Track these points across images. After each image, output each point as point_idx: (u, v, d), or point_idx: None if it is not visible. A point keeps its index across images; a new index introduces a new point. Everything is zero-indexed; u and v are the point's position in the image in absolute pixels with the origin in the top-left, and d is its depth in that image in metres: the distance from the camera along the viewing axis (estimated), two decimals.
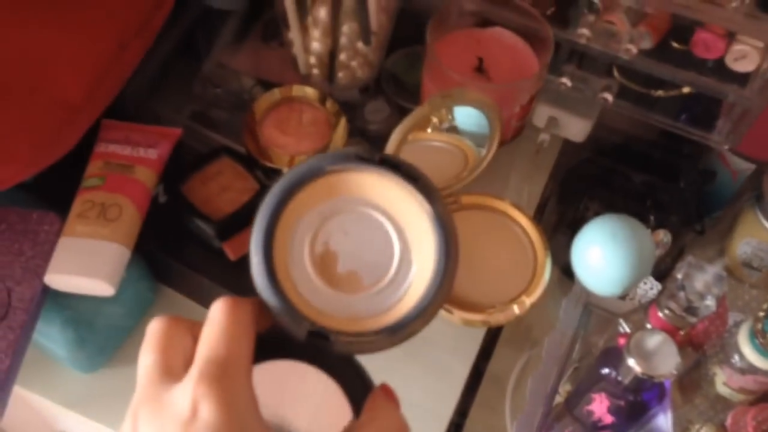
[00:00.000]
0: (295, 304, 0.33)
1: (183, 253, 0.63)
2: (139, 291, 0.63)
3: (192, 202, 0.58)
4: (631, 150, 0.79)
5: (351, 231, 0.36)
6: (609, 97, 0.65)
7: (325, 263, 0.35)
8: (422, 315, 0.34)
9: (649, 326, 0.65)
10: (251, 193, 0.59)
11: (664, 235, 0.74)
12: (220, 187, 0.59)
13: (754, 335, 0.60)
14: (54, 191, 0.59)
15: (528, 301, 0.54)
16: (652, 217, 0.74)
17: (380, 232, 0.36)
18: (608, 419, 0.64)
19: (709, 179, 0.78)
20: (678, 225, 0.73)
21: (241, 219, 0.58)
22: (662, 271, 0.71)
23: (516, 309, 0.54)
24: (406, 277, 0.35)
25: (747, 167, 0.75)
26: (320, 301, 0.34)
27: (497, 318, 0.54)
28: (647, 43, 0.61)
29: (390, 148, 0.53)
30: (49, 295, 0.55)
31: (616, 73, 0.67)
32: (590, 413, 0.64)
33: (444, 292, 0.35)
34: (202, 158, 0.61)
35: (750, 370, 0.61)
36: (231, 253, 0.59)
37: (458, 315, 0.54)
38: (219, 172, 0.60)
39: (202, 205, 0.58)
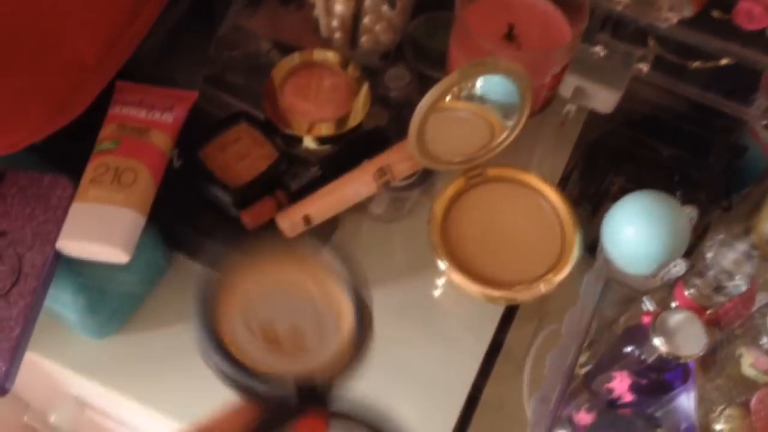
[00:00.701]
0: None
1: (198, 221, 0.61)
2: (152, 258, 0.62)
3: (209, 169, 0.57)
4: (659, 122, 0.76)
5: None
6: (644, 67, 0.62)
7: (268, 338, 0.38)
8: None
9: (674, 305, 0.64)
10: (270, 161, 0.57)
11: (690, 212, 0.72)
12: (239, 154, 0.57)
13: None
14: (65, 155, 0.57)
15: (555, 279, 0.53)
16: (679, 193, 0.72)
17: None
18: (628, 397, 0.62)
19: (739, 154, 0.76)
20: (705, 201, 0.71)
21: (259, 187, 0.57)
22: (688, 249, 0.69)
23: (542, 287, 0.53)
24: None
25: None
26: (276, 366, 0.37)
27: (523, 296, 0.52)
28: (687, 12, 0.58)
29: (417, 117, 0.51)
30: (62, 261, 0.54)
31: (651, 43, 0.64)
32: (610, 391, 0.63)
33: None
34: (220, 124, 0.59)
35: None
36: (248, 221, 0.57)
37: (481, 291, 0.52)
38: (237, 139, 0.58)
39: (219, 172, 0.56)
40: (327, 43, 0.68)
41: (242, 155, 0.58)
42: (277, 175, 0.57)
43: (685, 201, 0.72)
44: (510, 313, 0.70)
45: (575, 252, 0.54)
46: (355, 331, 0.39)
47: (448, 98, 0.61)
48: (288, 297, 0.39)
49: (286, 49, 0.70)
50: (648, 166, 0.74)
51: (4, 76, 0.50)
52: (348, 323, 0.39)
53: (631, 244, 0.55)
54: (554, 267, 0.54)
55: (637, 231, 0.54)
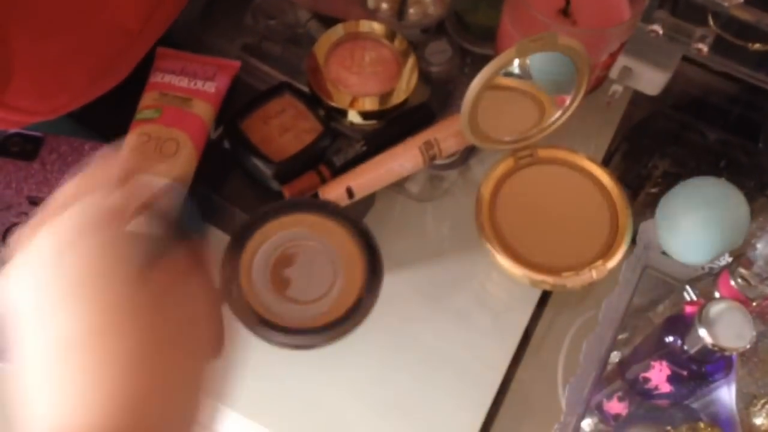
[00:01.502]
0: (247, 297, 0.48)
1: (236, 195, 0.60)
2: (188, 230, 0.61)
3: (252, 142, 0.55)
4: (707, 105, 0.74)
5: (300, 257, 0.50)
6: (704, 48, 0.60)
7: (276, 278, 0.49)
8: (353, 318, 0.49)
9: (717, 295, 0.62)
10: (314, 135, 0.56)
11: None
12: (282, 127, 0.56)
13: None
14: (104, 122, 0.56)
15: (607, 265, 0.51)
16: (724, 179, 0.70)
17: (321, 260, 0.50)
18: (666, 388, 0.61)
19: None
20: (754, 189, 0.69)
21: (302, 161, 0.55)
22: None
23: (594, 274, 0.51)
24: (337, 292, 0.49)
25: None
26: (271, 304, 0.48)
27: (573, 282, 0.51)
28: None
29: (471, 94, 0.50)
30: None
31: (711, 22, 0.62)
32: (646, 380, 0.62)
33: (371, 304, 0.50)
34: (263, 95, 0.58)
35: None
36: (290, 195, 0.56)
37: (529, 276, 0.51)
38: (281, 111, 0.57)
39: (262, 145, 0.55)
40: (372, 14, 0.66)
41: (286, 128, 0.56)
42: (320, 149, 0.56)
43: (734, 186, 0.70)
44: (544, 300, 0.68)
45: (627, 238, 0.53)
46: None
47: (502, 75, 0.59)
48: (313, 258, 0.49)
49: (324, 19, 0.68)
50: (694, 150, 0.72)
51: (48, 40, 0.48)
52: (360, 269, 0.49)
53: (690, 233, 0.53)
54: (605, 253, 0.52)
55: (696, 220, 0.53)
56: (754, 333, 0.55)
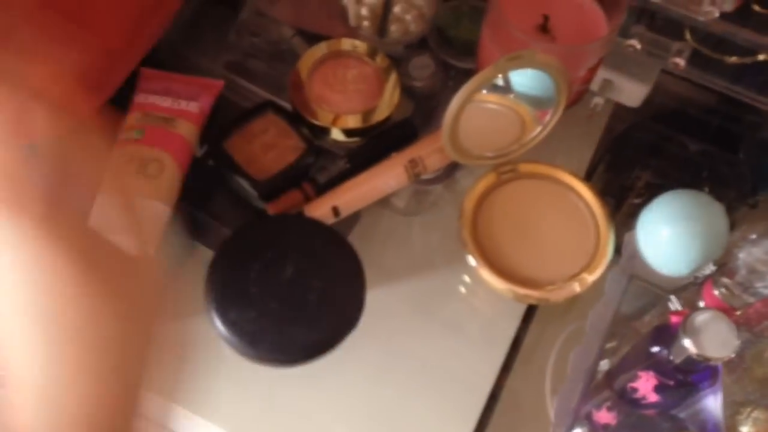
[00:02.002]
0: None
1: (221, 212, 0.60)
2: (174, 248, 0.61)
3: (236, 160, 0.55)
4: (688, 116, 0.75)
5: None
6: (681, 62, 0.61)
7: None
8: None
9: (701, 304, 0.63)
10: (297, 153, 0.56)
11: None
12: (266, 146, 0.56)
13: None
14: None
15: (590, 278, 0.52)
16: (707, 189, 0.70)
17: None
18: (653, 398, 0.62)
19: None
20: (735, 199, 0.70)
21: (286, 179, 0.56)
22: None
23: (577, 286, 0.52)
24: None
25: None
26: None
27: (557, 295, 0.51)
28: (729, 6, 0.57)
29: (451, 112, 0.50)
30: None
31: (688, 37, 0.63)
32: (634, 390, 0.62)
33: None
34: (246, 113, 0.58)
35: None
36: (274, 213, 0.56)
37: (513, 290, 0.51)
38: (264, 130, 0.57)
39: (245, 164, 0.55)
40: (354, 32, 0.67)
41: (269, 146, 0.56)
42: (304, 167, 0.56)
43: (713, 198, 0.71)
44: (531, 310, 0.69)
45: (609, 251, 0.53)
46: None
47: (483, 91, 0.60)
48: None
49: (308, 36, 0.69)
50: (675, 161, 0.73)
51: (30, 60, 0.49)
52: None
53: (669, 245, 0.54)
54: (588, 266, 0.53)
55: (675, 232, 0.53)
56: (738, 342, 0.55)
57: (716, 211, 0.53)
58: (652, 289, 0.70)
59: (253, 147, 0.56)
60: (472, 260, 0.55)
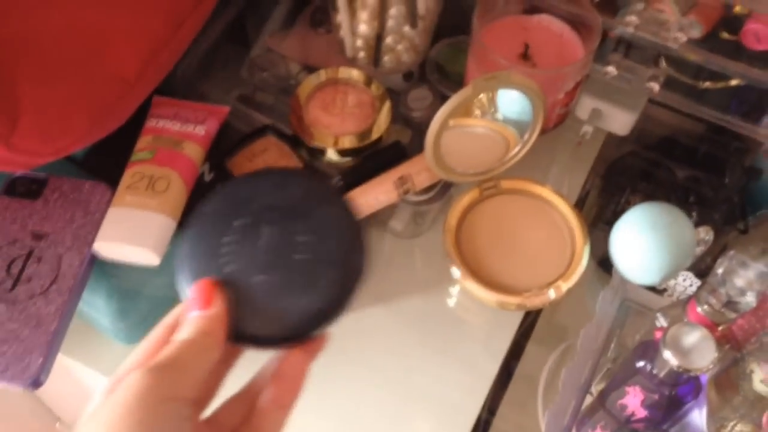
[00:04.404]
0: None
1: None
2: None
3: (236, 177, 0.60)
4: (676, 143, 0.78)
5: None
6: (655, 87, 0.64)
7: None
8: None
9: (687, 321, 0.65)
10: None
11: (706, 233, 0.73)
12: (265, 165, 0.61)
13: None
14: (102, 164, 0.61)
15: (564, 286, 0.54)
16: (694, 213, 0.73)
17: None
18: (642, 413, 0.63)
19: (755, 177, 0.77)
20: (721, 222, 0.72)
21: None
22: (703, 269, 0.70)
23: (552, 293, 0.54)
24: None
25: None
26: None
27: (533, 302, 0.54)
28: (696, 33, 0.61)
29: (432, 129, 0.54)
30: (96, 264, 0.57)
31: (663, 64, 0.66)
32: (623, 407, 0.64)
33: None
34: (247, 136, 0.63)
35: None
36: None
37: (494, 297, 0.54)
38: (264, 150, 0.62)
39: None
40: (352, 63, 0.72)
41: (269, 166, 0.61)
42: None
43: (701, 221, 0.73)
44: (525, 335, 0.71)
45: (584, 260, 0.56)
46: None
47: (476, 113, 0.64)
48: None
49: (314, 72, 0.74)
50: (664, 186, 0.75)
51: (53, 86, 0.53)
52: None
53: (636, 254, 0.56)
54: (563, 274, 0.56)
55: (641, 241, 0.56)
56: (716, 353, 0.57)
57: (683, 223, 0.56)
58: (641, 311, 0.72)
59: (253, 165, 0.61)
60: (456, 271, 0.58)
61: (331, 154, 0.63)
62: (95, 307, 0.61)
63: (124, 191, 0.57)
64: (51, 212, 0.58)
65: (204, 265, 0.36)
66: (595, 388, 0.69)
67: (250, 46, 0.78)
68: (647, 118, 0.74)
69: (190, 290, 0.35)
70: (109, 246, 0.55)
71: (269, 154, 0.62)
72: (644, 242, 0.56)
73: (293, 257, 0.36)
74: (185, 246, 0.37)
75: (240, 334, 0.35)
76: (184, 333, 0.33)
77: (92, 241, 0.56)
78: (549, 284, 0.55)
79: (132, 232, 0.55)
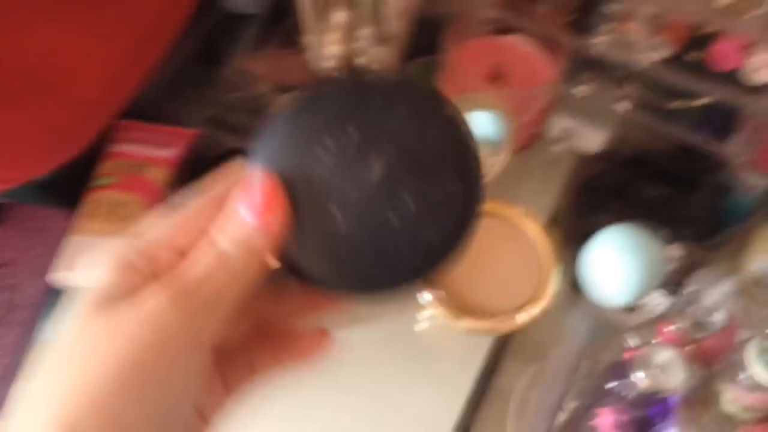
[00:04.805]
0: None
1: None
2: None
3: None
4: (647, 163, 0.78)
5: None
6: (626, 106, 0.64)
7: None
8: None
9: (656, 341, 0.65)
10: None
11: (677, 250, 0.73)
12: None
13: (762, 353, 0.59)
14: (68, 189, 0.60)
15: (533, 310, 0.54)
16: (666, 231, 0.73)
17: None
18: None
19: (725, 194, 0.77)
20: (692, 240, 0.72)
21: None
22: (673, 287, 0.70)
23: (521, 318, 0.54)
24: None
25: (763, 183, 0.74)
26: None
27: (502, 326, 0.53)
28: (665, 53, 0.61)
29: None
30: (57, 292, 0.56)
31: (633, 83, 0.66)
32: (593, 429, 0.63)
33: None
34: (217, 159, 0.62)
35: (757, 388, 0.60)
36: None
37: (464, 322, 0.54)
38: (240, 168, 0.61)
39: None
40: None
41: None
42: None
43: (672, 239, 0.73)
44: (499, 352, 0.70)
45: (554, 283, 0.56)
46: None
47: None
48: None
49: (286, 92, 0.73)
50: (635, 204, 0.75)
51: (13, 110, 0.52)
52: None
53: (605, 276, 0.56)
54: (533, 299, 0.55)
55: (610, 263, 0.56)
56: (685, 374, 0.57)
57: (653, 244, 0.56)
58: (613, 330, 0.72)
59: None
60: (425, 296, 0.57)
61: None
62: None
63: (83, 218, 0.56)
64: (7, 240, 0.56)
65: (289, 152, 0.28)
66: (569, 406, 0.69)
67: (221, 66, 0.77)
68: (619, 137, 0.74)
69: (255, 174, 0.28)
70: (68, 275, 0.54)
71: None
72: (613, 265, 0.56)
73: (387, 216, 0.28)
74: (282, 116, 0.29)
75: (289, 261, 0.28)
76: (226, 242, 0.26)
77: (50, 270, 0.54)
78: (519, 308, 0.55)
79: (91, 262, 0.54)
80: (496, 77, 0.64)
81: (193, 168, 0.62)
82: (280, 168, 0.28)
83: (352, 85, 0.29)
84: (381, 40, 0.66)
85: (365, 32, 0.67)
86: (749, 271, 0.74)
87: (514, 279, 0.57)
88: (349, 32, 0.67)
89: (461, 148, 0.30)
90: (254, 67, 0.76)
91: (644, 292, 0.57)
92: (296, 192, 0.28)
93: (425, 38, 0.72)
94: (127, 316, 0.24)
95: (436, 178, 0.29)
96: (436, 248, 0.29)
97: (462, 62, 0.63)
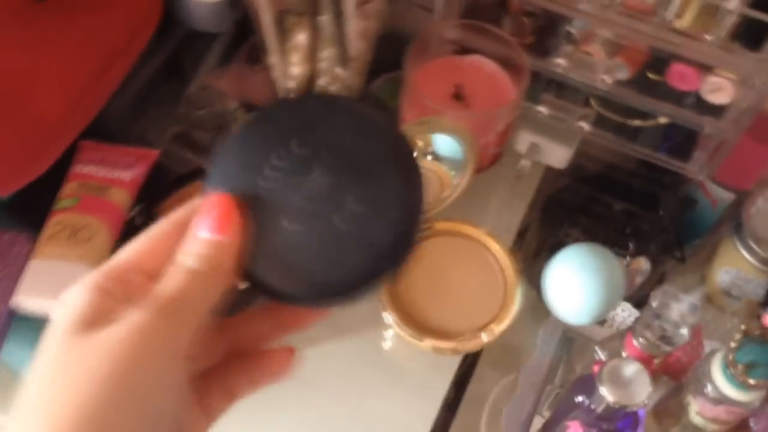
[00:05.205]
0: None
1: None
2: None
3: None
4: (612, 178, 0.79)
5: None
6: (586, 125, 0.65)
7: None
8: None
9: (624, 354, 0.65)
10: None
11: (644, 263, 0.74)
12: None
13: (726, 365, 0.59)
14: (30, 211, 0.59)
15: (497, 329, 0.54)
16: (632, 245, 0.74)
17: None
18: None
19: (690, 208, 0.78)
20: (658, 253, 0.73)
21: None
22: (641, 299, 0.71)
23: (485, 337, 0.54)
24: None
25: (727, 197, 0.75)
26: None
27: (466, 346, 0.54)
28: (623, 74, 0.62)
29: None
30: (20, 317, 0.55)
31: (593, 103, 0.67)
32: None
33: None
34: (179, 179, 0.62)
35: (722, 400, 0.61)
36: None
37: (428, 342, 0.54)
38: (197, 195, 0.60)
39: None
40: None
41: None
42: None
43: (638, 253, 0.74)
44: (473, 362, 0.70)
45: (516, 303, 0.56)
46: None
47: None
48: None
49: (251, 108, 0.73)
50: (601, 219, 0.76)
51: None
52: None
53: (566, 295, 0.57)
54: (497, 317, 0.56)
55: (570, 283, 0.57)
56: (651, 389, 0.58)
57: (613, 262, 0.56)
58: (584, 341, 0.73)
59: None
60: (387, 317, 0.57)
61: None
62: (21, 360, 0.59)
63: (45, 242, 0.55)
64: None
65: (240, 173, 0.30)
66: (542, 417, 0.69)
67: (187, 83, 0.77)
68: (584, 154, 0.75)
69: (211, 197, 0.30)
70: (31, 301, 0.53)
71: None
72: (572, 284, 0.56)
73: (334, 220, 0.30)
74: (232, 140, 0.31)
75: (250, 276, 0.30)
76: (191, 260, 0.28)
77: (11, 296, 0.54)
78: (482, 327, 0.55)
79: (54, 286, 0.53)
80: (458, 97, 0.65)
81: (157, 188, 0.62)
82: (234, 187, 0.30)
83: (293, 104, 0.32)
84: (343, 60, 0.67)
85: (326, 54, 0.67)
86: (716, 282, 0.75)
87: (477, 298, 0.57)
88: (312, 53, 0.67)
89: (398, 150, 0.31)
90: (219, 84, 0.76)
91: (604, 311, 0.58)
92: (250, 208, 0.30)
93: (395, 53, 0.72)
94: (109, 337, 0.26)
95: (377, 180, 0.30)
96: (385, 247, 0.30)
97: (423, 82, 0.63)
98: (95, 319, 0.26)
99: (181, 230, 0.29)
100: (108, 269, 0.28)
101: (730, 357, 0.59)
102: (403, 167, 0.31)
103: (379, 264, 0.30)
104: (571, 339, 0.73)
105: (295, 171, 0.30)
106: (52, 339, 0.27)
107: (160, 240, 0.30)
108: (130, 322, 0.26)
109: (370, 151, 0.31)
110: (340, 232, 0.30)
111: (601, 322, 0.70)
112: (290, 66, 0.67)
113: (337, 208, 0.30)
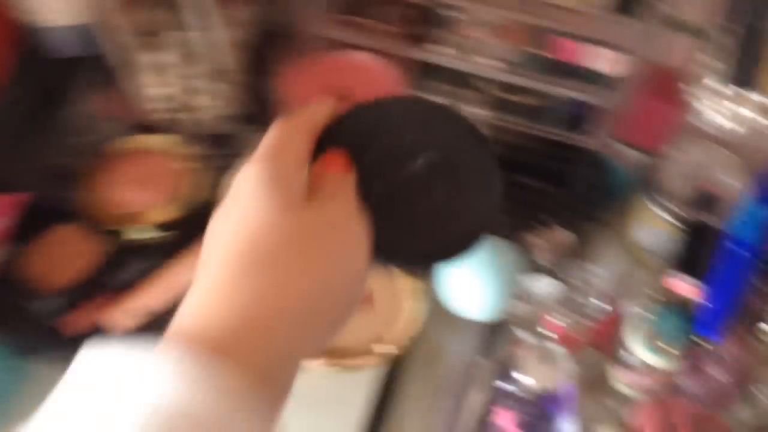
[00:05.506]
0: None
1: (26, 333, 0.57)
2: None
3: (26, 280, 0.54)
4: (519, 161, 0.78)
5: None
6: (477, 110, 0.64)
7: None
8: None
9: (542, 331, 0.64)
10: (93, 259, 0.55)
11: (563, 234, 0.73)
12: (61, 257, 0.55)
13: (641, 334, 0.59)
14: None
15: (389, 344, 0.52)
16: (551, 219, 0.73)
17: None
18: None
19: (602, 173, 0.77)
20: (578, 222, 0.72)
21: (85, 290, 0.55)
22: (559, 274, 0.70)
23: (377, 351, 0.52)
24: None
25: (639, 158, 0.74)
26: None
27: (360, 362, 0.52)
28: (509, 54, 0.60)
29: None
30: None
31: (489, 88, 0.66)
32: (500, 428, 0.63)
33: None
34: (38, 228, 0.57)
35: (641, 367, 0.60)
36: (71, 328, 0.55)
37: (318, 362, 0.52)
38: (60, 241, 0.56)
39: (39, 280, 0.54)
40: (159, 125, 0.67)
41: (63, 258, 0.55)
42: (103, 273, 0.55)
43: (559, 225, 0.73)
44: (398, 360, 0.68)
45: (413, 313, 0.54)
46: None
47: None
48: None
49: (132, 130, 0.69)
50: (517, 198, 0.75)
51: None
52: None
53: (468, 291, 0.56)
54: (392, 328, 0.54)
55: (470, 278, 0.55)
56: (572, 367, 0.57)
57: (506, 253, 0.55)
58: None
59: (49, 260, 0.55)
60: None
61: (135, 232, 0.58)
62: None
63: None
64: None
65: (363, 138, 0.37)
66: (473, 406, 0.68)
67: (61, 110, 0.72)
68: (493, 139, 0.74)
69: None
70: None
71: (65, 245, 0.56)
72: (467, 283, 0.55)
73: (417, 200, 0.36)
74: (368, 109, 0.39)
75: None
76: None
77: None
78: (377, 340, 0.53)
79: None
80: (340, 97, 0.61)
81: (30, 230, 0.58)
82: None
83: (412, 103, 0.38)
84: (219, 74, 0.63)
85: (200, 69, 0.64)
86: (635, 241, 0.75)
87: (368, 313, 0.55)
88: (183, 71, 0.63)
89: (493, 170, 0.37)
90: (96, 108, 0.72)
91: (503, 303, 0.56)
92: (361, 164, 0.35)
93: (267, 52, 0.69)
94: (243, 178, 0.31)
95: (464, 190, 0.36)
96: (447, 243, 0.35)
97: (299, 84, 0.60)
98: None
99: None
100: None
101: (644, 326, 0.58)
102: (488, 188, 0.37)
103: (434, 254, 0.35)
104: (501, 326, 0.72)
105: (403, 152, 0.36)
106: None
107: None
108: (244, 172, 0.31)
109: (467, 162, 0.36)
110: (430, 207, 0.35)
111: (520, 298, 0.69)
112: (161, 86, 0.64)
113: (425, 192, 0.35)
